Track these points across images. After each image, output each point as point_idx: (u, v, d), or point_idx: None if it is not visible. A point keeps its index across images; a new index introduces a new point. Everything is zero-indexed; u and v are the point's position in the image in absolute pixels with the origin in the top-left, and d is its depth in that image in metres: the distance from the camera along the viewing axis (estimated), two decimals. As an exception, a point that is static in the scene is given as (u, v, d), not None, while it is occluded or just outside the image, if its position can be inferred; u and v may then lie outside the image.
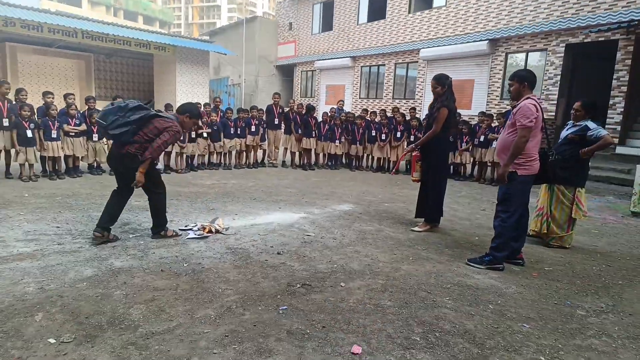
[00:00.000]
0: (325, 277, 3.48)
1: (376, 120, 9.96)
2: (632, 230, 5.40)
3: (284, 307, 2.90)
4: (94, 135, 7.59)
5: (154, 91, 20.26)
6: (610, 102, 10.55)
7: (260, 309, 2.87)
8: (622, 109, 10.42)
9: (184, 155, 8.62)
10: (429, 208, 4.96)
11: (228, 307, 2.88)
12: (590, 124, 4.47)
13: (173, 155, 8.57)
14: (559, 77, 11.65)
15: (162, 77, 19.54)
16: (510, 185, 3.68)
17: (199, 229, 4.56)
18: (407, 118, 9.83)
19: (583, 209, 4.54)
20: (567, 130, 4.67)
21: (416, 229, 4.97)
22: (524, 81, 3.70)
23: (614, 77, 10.55)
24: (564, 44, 11.54)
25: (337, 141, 9.81)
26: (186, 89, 18.92)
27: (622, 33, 10.22)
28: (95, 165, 7.87)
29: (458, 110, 5.11)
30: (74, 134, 7.32)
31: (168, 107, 8.53)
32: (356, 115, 10.44)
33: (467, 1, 14.08)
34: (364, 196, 6.93)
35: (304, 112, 9.73)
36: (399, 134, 9.51)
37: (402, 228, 5.07)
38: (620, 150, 10.29)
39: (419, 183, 5.11)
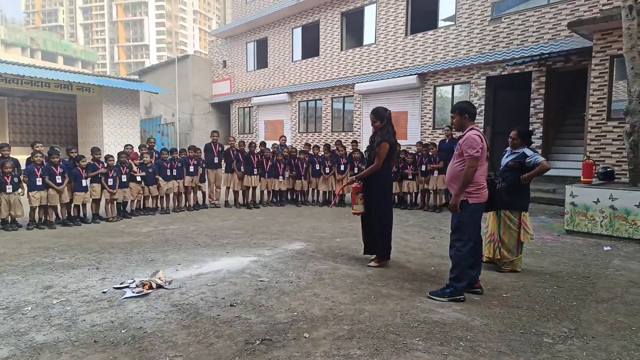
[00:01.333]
0: (286, 328, 3.19)
1: (319, 154, 9.95)
2: (570, 248, 5.69)
3: (244, 372, 2.57)
4: (7, 186, 6.74)
5: (78, 134, 18.90)
6: (530, 128, 11.46)
7: (217, 377, 2.52)
8: (541, 134, 11.35)
9: (115, 202, 7.92)
10: (378, 243, 4.83)
11: (179, 379, 2.49)
12: (527, 151, 4.69)
13: (103, 202, 7.85)
14: (483, 107, 12.52)
15: (87, 119, 18.33)
16: (462, 214, 3.73)
17: (137, 286, 4.07)
18: (350, 151, 9.92)
19: (530, 232, 4.69)
20: (506, 157, 4.88)
21: (372, 264, 4.84)
22: (464, 113, 3.85)
23: (531, 105, 11.53)
24: (484, 77, 12.50)
25: (281, 177, 9.62)
26: (115, 130, 17.87)
27: (534, 65, 11.28)
28: (9, 219, 6.96)
29: (398, 141, 5.14)
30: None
31: (95, 150, 7.87)
32: (298, 150, 10.36)
33: (394, 39, 14.90)
34: (314, 232, 6.74)
35: (245, 149, 9.48)
36: (342, 167, 9.55)
37: (358, 264, 4.91)
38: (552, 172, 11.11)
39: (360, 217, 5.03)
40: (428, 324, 3.22)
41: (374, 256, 4.94)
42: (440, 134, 13.53)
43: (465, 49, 12.91)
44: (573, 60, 10.79)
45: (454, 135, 9.56)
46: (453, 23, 13.31)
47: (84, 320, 3.35)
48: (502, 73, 12.08)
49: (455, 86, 13.46)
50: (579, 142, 11.29)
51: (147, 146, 9.15)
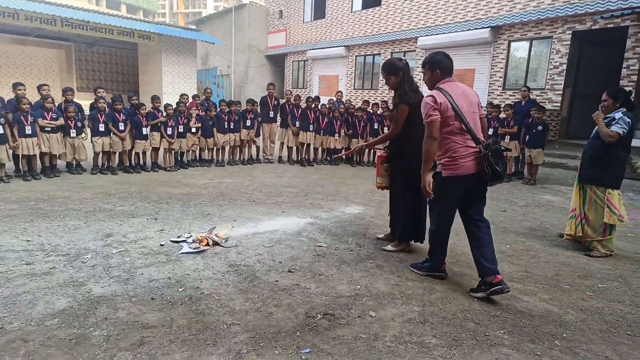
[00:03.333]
0: (349, 303, 2.92)
1: (378, 112, 9.38)
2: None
3: (307, 351, 2.33)
4: (71, 130, 6.87)
5: (139, 82, 19.34)
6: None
7: (277, 353, 2.30)
8: (633, 99, 9.97)
9: (173, 152, 7.94)
10: (399, 224, 3.97)
11: (237, 351, 2.30)
12: (617, 115, 4.00)
13: (161, 151, 7.89)
14: (565, 66, 11.19)
15: (148, 68, 18.63)
16: (436, 186, 3.16)
17: (194, 241, 3.95)
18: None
19: (617, 212, 4.02)
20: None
21: (388, 247, 4.02)
22: (435, 68, 3.17)
23: (624, 65, 10.11)
24: (570, 31, 11.06)
25: (337, 135, 9.21)
26: (173, 79, 18.07)
27: (632, 19, 9.75)
28: (74, 163, 7.16)
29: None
30: (50, 129, 6.59)
31: (155, 99, 7.82)
32: (356, 107, 9.82)
33: (467, -13, 13.48)
34: (372, 196, 6.37)
35: (301, 104, 9.10)
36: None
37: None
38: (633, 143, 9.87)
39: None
40: (512, 314, 2.82)
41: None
42: (510, 95, 12.39)
43: (550, -1, 11.41)
44: (684, 13, 9.18)
45: (530, 97, 8.61)
46: (538, -32, 11.74)
47: (142, 274, 3.27)
48: (593, 27, 10.61)
49: (533, 42, 12.07)
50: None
51: (205, 97, 9.01)
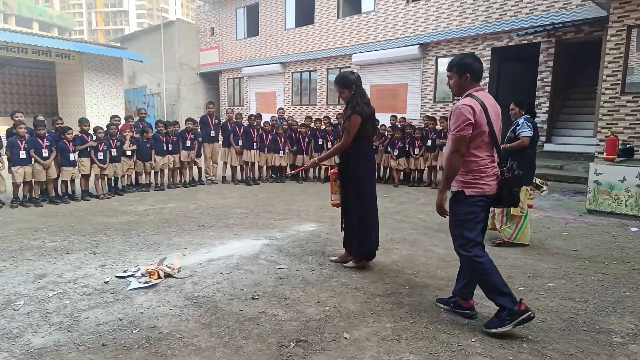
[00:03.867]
0: (321, 326, 2.82)
1: (322, 127, 9.46)
2: (597, 229, 5.42)
3: (287, 384, 2.20)
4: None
5: (58, 104, 17.88)
6: (536, 102, 11.12)
7: (255, 391, 2.15)
8: (547, 108, 11.02)
9: (106, 178, 7.36)
10: (353, 240, 3.89)
11: (211, 395, 2.11)
12: (520, 121, 4.63)
13: (92, 178, 7.28)
14: (487, 80, 12.09)
15: (68, 89, 17.33)
16: (457, 211, 2.81)
17: (143, 275, 3.64)
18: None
19: (521, 205, 4.48)
20: (510, 131, 4.78)
21: (349, 264, 3.92)
22: (464, 71, 2.79)
23: (538, 78, 11.15)
24: (490, 48, 12.01)
25: (282, 152, 9.13)
26: (97, 100, 16.97)
27: (543, 36, 10.83)
28: (-9, 197, 6.38)
29: (373, 112, 3.89)
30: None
31: (83, 121, 7.21)
32: (299, 123, 9.82)
33: (395, 6, 14.20)
34: (323, 212, 6.34)
35: (243, 121, 8.92)
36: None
37: (381, 247, 4.54)
38: (548, 147, 10.87)
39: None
40: (478, 321, 2.89)
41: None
42: (441, 108, 13.14)
43: (470, 18, 12.34)
44: (584, 30, 10.36)
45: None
46: (458, -10, 12.68)
47: (87, 317, 2.93)
48: (509, 44, 11.62)
49: (458, 57, 12.93)
50: (585, 117, 11.03)
51: (139, 117, 8.52)
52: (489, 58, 12.04)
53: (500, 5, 11.68)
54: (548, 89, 10.99)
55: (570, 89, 11.89)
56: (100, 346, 2.57)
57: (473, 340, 2.65)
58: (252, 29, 19.93)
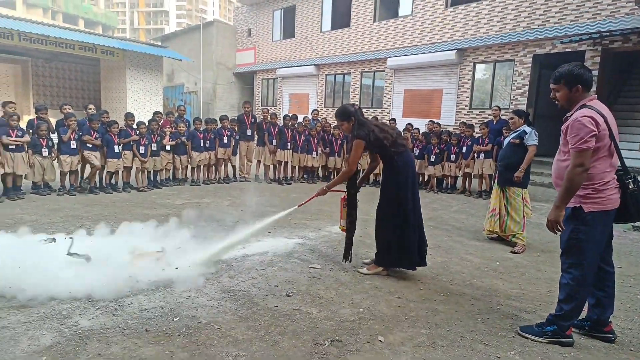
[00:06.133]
0: (355, 327, 2.84)
1: (354, 130, 9.46)
2: (640, 246, 5.21)
3: (323, 381, 2.23)
4: (43, 149, 6.48)
5: (102, 99, 18.65)
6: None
7: (292, 386, 2.18)
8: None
9: (146, 171, 7.63)
10: (377, 249, 3.89)
11: (250, 386, 2.17)
12: (527, 129, 4.91)
13: (134, 171, 7.56)
14: (527, 88, 11.77)
15: (111, 84, 18.04)
16: (577, 228, 2.62)
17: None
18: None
19: (530, 207, 5.05)
20: (508, 137, 5.12)
21: (363, 270, 3.89)
22: (575, 82, 2.61)
23: (581, 87, 10.75)
24: (531, 55, 11.69)
25: (314, 153, 9.19)
26: (138, 96, 17.56)
27: (589, 44, 10.45)
28: (41, 184, 6.72)
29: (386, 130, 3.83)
30: (14, 147, 6.18)
31: (128, 116, 7.53)
32: (332, 125, 9.86)
33: (433, 10, 14.05)
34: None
35: (278, 122, 9.05)
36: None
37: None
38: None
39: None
40: (517, 334, 2.83)
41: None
42: (477, 115, 12.89)
43: (511, 24, 12.05)
44: (633, 40, 9.92)
45: (501, 116, 8.97)
46: (500, -5, 12.42)
47: (131, 303, 3.05)
48: (552, 51, 11.27)
49: (497, 64, 12.67)
50: (631, 129, 10.57)
51: (178, 114, 8.77)
52: (530, 65, 11.72)
53: (544, 11, 11.36)
54: (592, 99, 10.58)
55: (616, 100, 11.43)
56: (144, 331, 2.68)
57: (512, 352, 2.60)
58: (288, 31, 20.15)
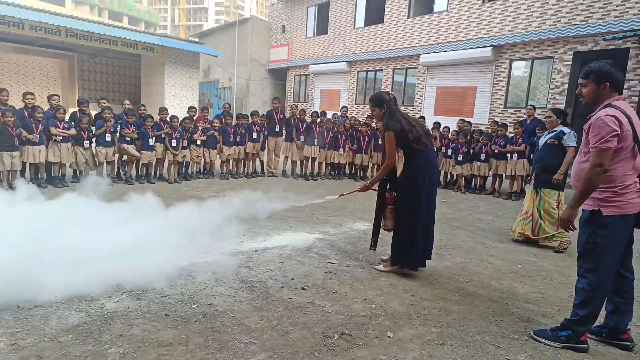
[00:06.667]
0: (365, 322, 2.88)
1: (383, 128, 9.41)
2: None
3: (328, 372, 2.29)
4: (84, 141, 6.87)
5: (141, 93, 19.41)
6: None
7: (298, 375, 2.26)
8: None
9: (177, 164, 7.92)
10: (393, 247, 3.87)
11: (257, 372, 2.26)
12: (565, 130, 4.81)
13: (166, 163, 7.86)
14: (566, 86, 11.30)
15: (150, 79, 18.74)
16: (594, 232, 2.56)
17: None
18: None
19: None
20: (544, 137, 4.99)
21: (380, 267, 3.92)
22: (604, 79, 2.54)
23: (625, 87, 10.23)
24: (572, 52, 11.21)
25: (342, 150, 9.23)
26: (175, 91, 18.15)
27: (633, 41, 9.91)
28: (83, 173, 7.14)
29: (414, 124, 3.78)
30: (61, 138, 6.59)
31: (162, 110, 7.84)
32: (360, 122, 9.86)
33: (469, 6, 13.70)
34: (379, 212, 6.34)
35: (306, 118, 9.14)
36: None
37: (434, 253, 4.48)
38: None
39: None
40: (531, 337, 2.79)
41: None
42: (512, 114, 12.51)
43: (552, 19, 11.59)
44: (683, 37, 9.35)
45: (536, 115, 8.68)
46: (540, -10, 11.96)
47: (154, 289, 3.22)
48: (594, 48, 10.76)
49: (534, 61, 12.23)
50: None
51: (224, 111, 8.99)
52: (570, 63, 11.23)
53: (587, 7, 10.85)
54: (635, 99, 10.04)
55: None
56: (164, 316, 2.83)
57: (522, 356, 2.57)
58: (322, 27, 20.20)
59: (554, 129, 4.88)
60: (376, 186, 3.99)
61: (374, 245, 4.09)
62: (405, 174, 3.80)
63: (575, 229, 2.62)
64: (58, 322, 2.67)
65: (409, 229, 3.70)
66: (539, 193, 4.92)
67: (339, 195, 4.46)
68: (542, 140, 5.02)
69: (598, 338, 2.80)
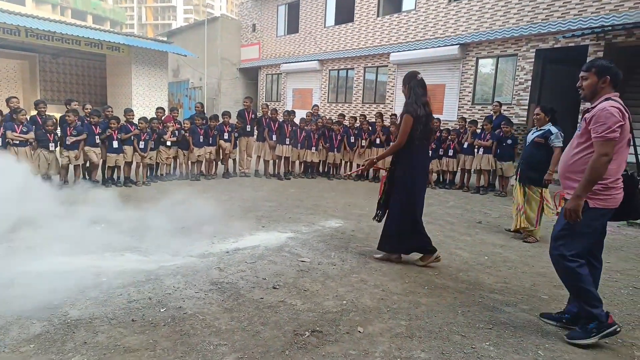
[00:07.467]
0: (336, 319, 2.91)
1: (355, 125, 9.49)
2: (635, 243, 5.19)
3: (298, 370, 2.30)
4: (50, 144, 6.62)
5: (107, 94, 18.86)
6: (581, 107, 10.64)
7: (268, 374, 2.26)
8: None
9: (146, 166, 7.74)
10: (384, 236, 4.04)
11: (226, 373, 2.25)
12: (553, 129, 4.84)
13: (134, 166, 7.67)
14: (529, 83, 11.70)
15: (117, 80, 18.23)
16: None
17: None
18: (388, 124, 9.37)
19: (551, 206, 4.94)
20: (532, 134, 5.03)
21: (377, 255, 4.16)
22: (604, 73, 2.65)
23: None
24: (534, 49, 11.60)
25: (314, 148, 9.24)
26: (143, 91, 17.73)
27: (592, 39, 10.35)
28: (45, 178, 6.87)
29: (432, 114, 3.99)
30: (18, 142, 6.33)
31: (128, 112, 7.64)
32: (333, 120, 9.89)
33: (436, 5, 13.97)
34: (351, 209, 6.40)
35: (278, 117, 9.10)
36: (378, 141, 9.10)
37: (404, 248, 4.56)
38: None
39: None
40: (496, 325, 2.88)
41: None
42: (479, 110, 12.84)
43: (514, 18, 11.96)
44: (637, 34, 9.82)
45: (502, 112, 8.94)
46: (503, -11, 12.31)
47: (120, 294, 3.15)
48: (555, 46, 11.18)
49: (499, 59, 12.60)
50: (635, 124, 10.45)
51: (197, 110, 8.85)
52: (533, 60, 11.64)
53: (548, 5, 11.25)
54: (594, 94, 10.49)
55: (621, 95, 11.28)
56: (130, 321, 2.77)
57: (487, 344, 2.65)
58: (292, 26, 20.17)
59: (541, 127, 4.92)
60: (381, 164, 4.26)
61: (379, 217, 4.17)
62: (410, 161, 3.89)
63: (580, 220, 2.61)
64: (19, 331, 2.58)
65: (406, 213, 3.90)
66: (523, 187, 5.05)
67: (344, 175, 4.61)
68: (529, 137, 5.06)
69: (558, 324, 2.91)
